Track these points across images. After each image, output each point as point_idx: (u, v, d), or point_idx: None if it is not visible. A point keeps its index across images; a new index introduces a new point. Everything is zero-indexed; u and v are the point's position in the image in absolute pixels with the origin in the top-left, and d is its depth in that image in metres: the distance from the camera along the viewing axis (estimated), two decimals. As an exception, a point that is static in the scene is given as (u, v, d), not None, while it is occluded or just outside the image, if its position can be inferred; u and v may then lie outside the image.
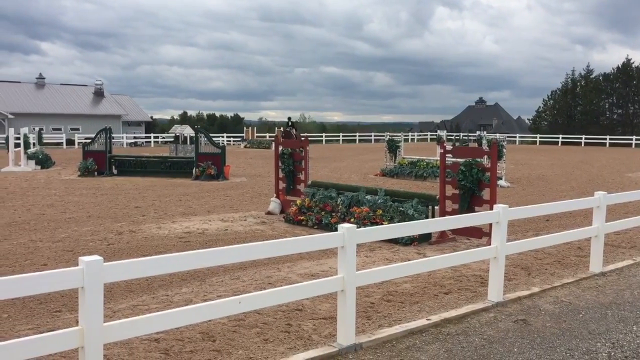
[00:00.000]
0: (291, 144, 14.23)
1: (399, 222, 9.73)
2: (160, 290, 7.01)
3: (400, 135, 27.82)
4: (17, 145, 26.64)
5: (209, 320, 5.52)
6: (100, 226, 11.52)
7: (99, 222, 11.98)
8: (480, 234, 9.85)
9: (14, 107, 57.41)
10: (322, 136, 66.83)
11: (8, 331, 5.59)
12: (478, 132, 38.50)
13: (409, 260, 8.43)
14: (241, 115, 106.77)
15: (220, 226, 11.67)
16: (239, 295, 6.18)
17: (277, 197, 13.62)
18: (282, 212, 13.13)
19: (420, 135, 74.83)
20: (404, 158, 25.06)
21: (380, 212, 10.57)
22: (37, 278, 3.72)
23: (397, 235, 6.35)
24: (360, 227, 6.50)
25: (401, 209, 10.35)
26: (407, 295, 6.93)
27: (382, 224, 10.10)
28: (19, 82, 64.53)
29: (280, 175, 13.77)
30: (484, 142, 24.73)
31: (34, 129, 30.42)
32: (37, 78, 64.99)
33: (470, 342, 5.35)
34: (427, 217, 10.21)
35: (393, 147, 25.69)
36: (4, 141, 39.39)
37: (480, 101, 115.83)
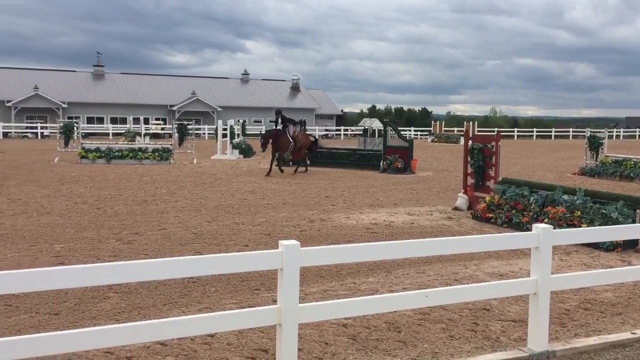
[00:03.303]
0: (482, 139, 13.80)
1: (600, 225, 8.98)
2: (348, 278, 7.28)
3: (603, 131, 25.55)
4: (224, 135, 29.32)
5: (395, 311, 5.61)
6: (294, 213, 12.25)
7: (293, 209, 12.75)
8: (699, 244, 8.70)
9: (222, 101, 63.22)
10: (513, 131, 63.80)
11: (215, 304, 6.22)
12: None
13: (610, 267, 7.74)
14: (429, 109, 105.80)
15: (406, 219, 11.74)
16: (424, 289, 6.19)
17: (465, 192, 13.32)
18: (469, 208, 12.83)
19: (627, 131, 67.88)
20: (607, 156, 22.95)
21: (579, 213, 9.83)
22: (243, 257, 4.09)
23: (598, 239, 5.89)
24: (555, 228, 6.12)
25: (603, 211, 9.52)
26: (608, 305, 6.38)
27: (580, 226, 9.40)
28: (227, 78, 70.93)
29: (469, 170, 13.44)
30: None
31: (238, 120, 33.22)
32: (242, 74, 70.82)
33: (683, 364, 4.78)
34: (633, 222, 9.27)
35: (595, 144, 23.66)
36: (213, 132, 43.62)
37: None
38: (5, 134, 49.74)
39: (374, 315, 5.61)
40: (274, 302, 5.94)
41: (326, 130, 63.71)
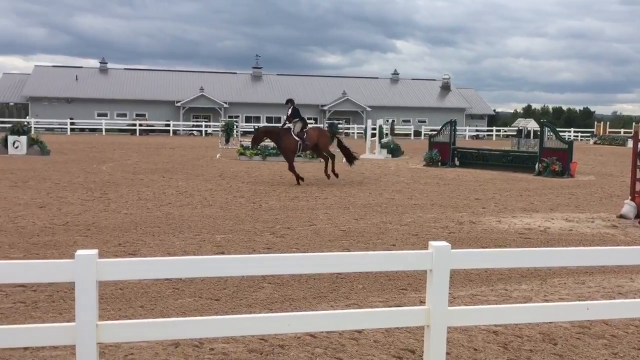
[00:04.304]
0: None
1: None
2: (498, 284, 7.02)
3: None
4: (372, 135, 29.61)
5: (551, 322, 5.31)
6: (442, 214, 12.04)
7: (441, 211, 12.54)
8: None
9: (372, 100, 63.87)
10: (693, 133, 57.36)
11: (362, 300, 6.31)
12: None
13: None
14: (591, 108, 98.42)
15: (564, 226, 11.05)
16: (583, 300, 5.80)
17: (633, 199, 12.22)
18: (637, 216, 11.75)
19: None
20: None
21: None
22: (392, 256, 4.10)
23: None
24: None
25: None
26: None
27: None
28: (377, 78, 71.50)
29: (638, 175, 12.31)
30: None
31: (387, 120, 33.35)
32: (392, 74, 70.99)
33: None
34: None
35: None
36: (362, 131, 44.26)
37: None
38: (174, 132, 54.44)
39: (527, 325, 5.37)
40: (421, 302, 5.90)
41: (477, 130, 61.86)
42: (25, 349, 4.59)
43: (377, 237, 9.58)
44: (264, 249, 8.50)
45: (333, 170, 17.31)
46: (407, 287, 6.84)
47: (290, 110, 17.01)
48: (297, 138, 16.60)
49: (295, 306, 6.03)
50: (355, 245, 8.95)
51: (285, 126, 17.03)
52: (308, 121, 19.11)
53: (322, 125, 36.22)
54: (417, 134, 56.10)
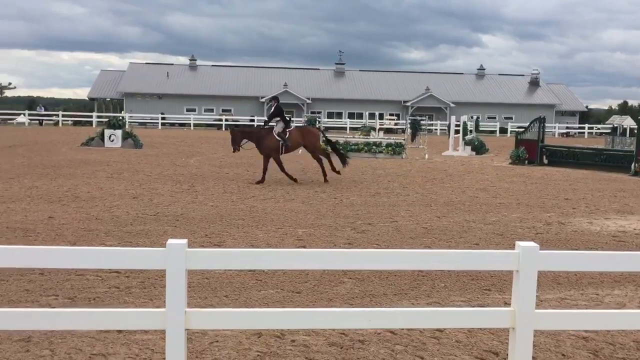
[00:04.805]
0: None
1: None
2: (589, 288, 6.71)
3: None
4: (456, 131, 29.01)
5: (646, 331, 5.03)
6: (529, 214, 11.63)
7: (528, 210, 12.11)
8: None
9: (456, 96, 62.57)
10: None
11: (444, 299, 6.21)
12: None
13: None
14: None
15: (663, 229, 10.39)
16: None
17: None
18: None
19: None
20: None
21: None
22: (476, 255, 4.00)
23: None
24: None
25: None
26: None
27: None
28: (462, 73, 69.99)
29: None
30: None
31: (471, 117, 32.65)
32: (477, 69, 69.29)
33: None
34: None
35: None
36: (445, 127, 43.51)
37: None
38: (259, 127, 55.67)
39: (621, 332, 5.10)
40: (506, 304, 5.75)
41: (567, 128, 59.29)
42: (119, 331, 4.85)
43: (460, 236, 9.39)
44: (345, 244, 8.53)
45: (333, 169, 16.21)
46: (491, 287, 6.67)
47: (273, 109, 16.21)
48: (278, 138, 15.56)
49: (375, 302, 6.02)
50: (437, 243, 8.82)
51: (267, 126, 16.21)
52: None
53: (405, 121, 35.85)
54: (503, 131, 54.44)
